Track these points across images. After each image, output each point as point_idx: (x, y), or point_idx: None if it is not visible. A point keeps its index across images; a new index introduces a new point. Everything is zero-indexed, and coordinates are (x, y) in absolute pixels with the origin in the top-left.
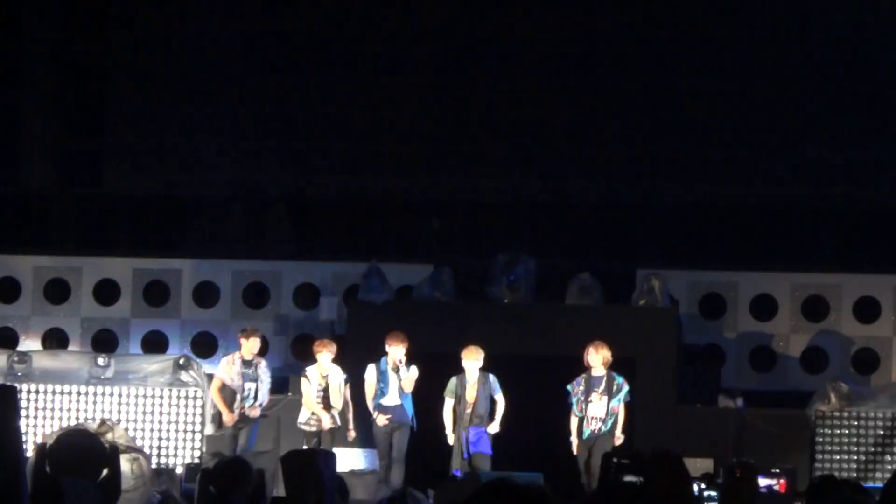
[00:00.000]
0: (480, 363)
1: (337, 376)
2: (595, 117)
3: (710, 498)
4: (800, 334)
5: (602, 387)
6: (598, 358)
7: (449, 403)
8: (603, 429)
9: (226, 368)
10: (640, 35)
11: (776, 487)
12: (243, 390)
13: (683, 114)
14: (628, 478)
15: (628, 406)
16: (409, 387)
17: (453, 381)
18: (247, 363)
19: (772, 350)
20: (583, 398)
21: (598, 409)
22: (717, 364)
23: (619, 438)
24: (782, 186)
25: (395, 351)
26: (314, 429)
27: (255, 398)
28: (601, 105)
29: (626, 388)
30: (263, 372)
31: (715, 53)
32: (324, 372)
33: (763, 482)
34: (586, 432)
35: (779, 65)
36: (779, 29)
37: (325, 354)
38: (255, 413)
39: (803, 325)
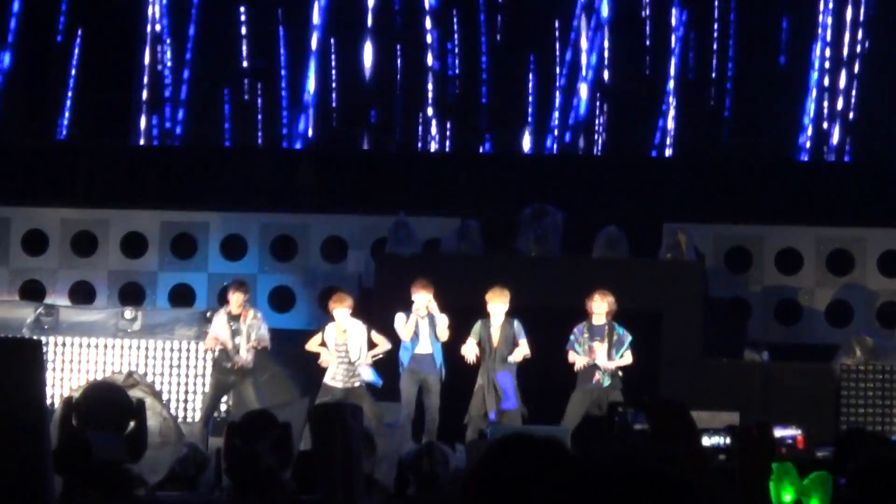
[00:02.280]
0: (506, 306)
1: (357, 331)
2: (620, 72)
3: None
4: (825, 288)
5: (604, 336)
6: (602, 305)
7: (471, 343)
8: (605, 381)
9: (215, 324)
10: None
11: (792, 443)
12: (233, 345)
13: (705, 69)
14: (637, 426)
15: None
16: (443, 334)
17: (478, 324)
18: (234, 317)
19: (797, 304)
20: (587, 346)
21: (600, 359)
22: (742, 318)
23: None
24: (807, 140)
25: (420, 298)
26: (340, 385)
27: (238, 351)
28: (625, 60)
29: (628, 339)
30: (248, 325)
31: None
32: (342, 328)
33: (779, 434)
34: (591, 381)
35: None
36: None
37: (341, 310)
38: (240, 362)
39: (828, 279)
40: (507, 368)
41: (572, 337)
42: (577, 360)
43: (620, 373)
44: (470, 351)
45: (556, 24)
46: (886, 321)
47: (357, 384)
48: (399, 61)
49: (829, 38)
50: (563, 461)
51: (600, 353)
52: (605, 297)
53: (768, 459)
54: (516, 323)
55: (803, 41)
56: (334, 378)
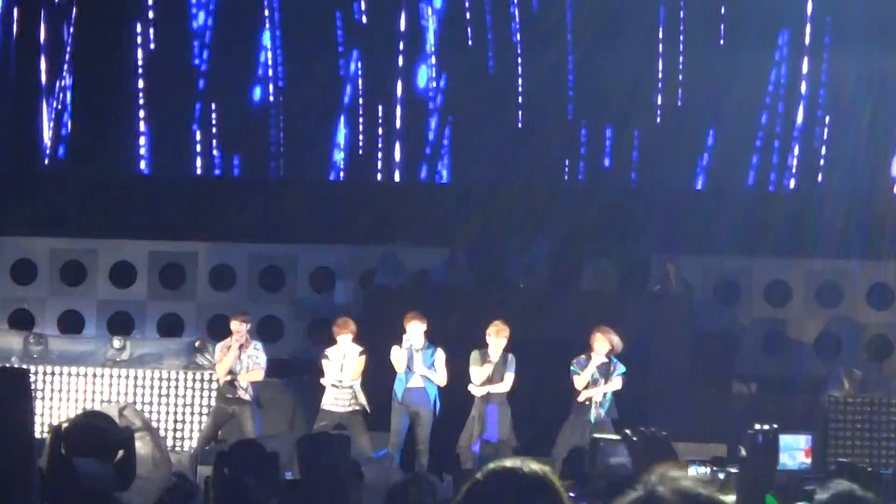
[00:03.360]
0: (506, 341)
1: (352, 354)
2: (610, 101)
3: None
4: (813, 320)
5: (605, 373)
6: (604, 345)
7: (480, 370)
8: (601, 414)
9: (227, 355)
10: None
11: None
12: (232, 374)
13: (700, 99)
14: (615, 459)
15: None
16: (442, 379)
17: (476, 353)
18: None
19: (786, 336)
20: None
21: (598, 395)
22: (730, 350)
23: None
24: (797, 173)
25: (414, 328)
26: (338, 409)
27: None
28: (617, 89)
29: (620, 368)
30: (248, 355)
31: (734, 41)
32: (342, 352)
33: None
34: (591, 415)
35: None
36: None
37: (345, 336)
38: (239, 393)
39: (817, 311)
40: (495, 401)
41: (574, 367)
42: (579, 381)
43: (614, 411)
44: (481, 375)
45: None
46: (875, 353)
47: (357, 408)
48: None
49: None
50: (548, 496)
51: (598, 389)
52: (606, 335)
53: (772, 468)
54: (510, 357)
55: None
56: (334, 403)
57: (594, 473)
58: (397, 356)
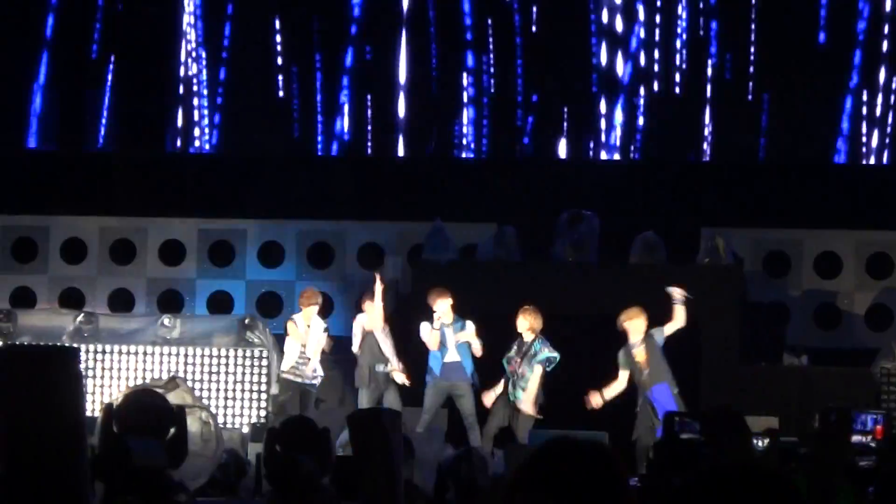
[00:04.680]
0: (529, 325)
1: (317, 328)
2: (657, 78)
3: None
4: (864, 292)
5: (521, 352)
6: (524, 323)
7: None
8: (518, 395)
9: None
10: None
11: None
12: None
13: (746, 73)
14: (686, 435)
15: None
16: (477, 349)
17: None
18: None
19: (836, 307)
20: (517, 360)
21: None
22: (781, 322)
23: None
24: (846, 144)
25: (441, 305)
26: (298, 379)
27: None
28: (661, 66)
29: (542, 354)
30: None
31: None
32: (308, 323)
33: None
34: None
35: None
36: None
37: (310, 308)
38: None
39: (868, 283)
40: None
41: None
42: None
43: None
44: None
45: (593, 28)
46: None
47: (315, 382)
48: (434, 65)
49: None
50: (609, 465)
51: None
52: (526, 316)
53: (846, 446)
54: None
55: (841, 41)
56: (293, 373)
57: (669, 447)
58: (429, 334)
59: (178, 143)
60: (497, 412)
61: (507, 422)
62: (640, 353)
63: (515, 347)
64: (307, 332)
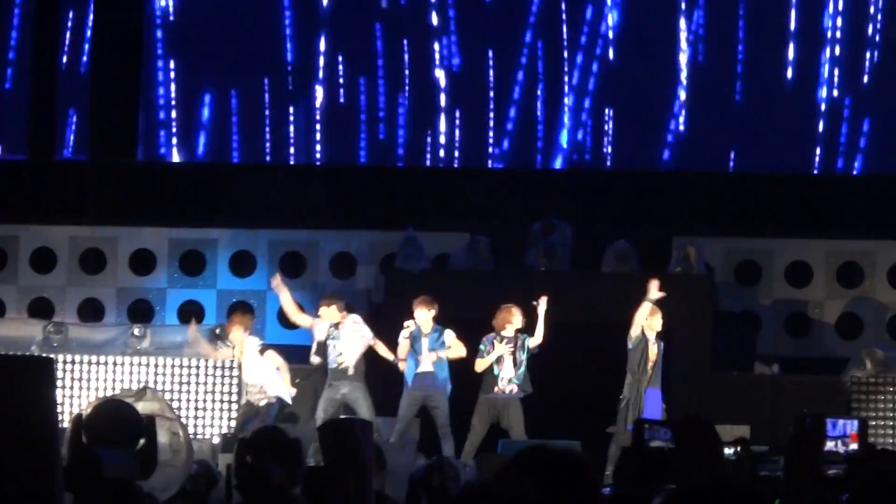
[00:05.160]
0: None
1: (251, 349)
2: (630, 86)
3: None
4: (835, 301)
5: (512, 347)
6: (519, 319)
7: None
8: (514, 390)
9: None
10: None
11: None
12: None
13: (719, 82)
14: (656, 443)
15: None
16: (445, 355)
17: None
18: (333, 325)
19: (807, 316)
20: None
21: (508, 370)
22: (752, 331)
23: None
24: (818, 153)
25: (421, 315)
26: (262, 402)
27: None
28: (635, 73)
29: (529, 343)
30: (352, 330)
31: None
32: (237, 347)
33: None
34: (502, 392)
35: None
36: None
37: (237, 332)
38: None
39: (838, 292)
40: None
41: (482, 346)
42: (481, 362)
43: (528, 384)
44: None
45: (565, 35)
46: None
47: (271, 401)
48: (407, 73)
49: (836, 52)
50: (581, 475)
51: (507, 364)
52: (514, 313)
53: (819, 453)
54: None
55: (810, 55)
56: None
57: (637, 455)
58: (401, 343)
59: (150, 150)
60: (484, 415)
61: (493, 422)
62: (653, 351)
63: (503, 348)
64: (241, 355)
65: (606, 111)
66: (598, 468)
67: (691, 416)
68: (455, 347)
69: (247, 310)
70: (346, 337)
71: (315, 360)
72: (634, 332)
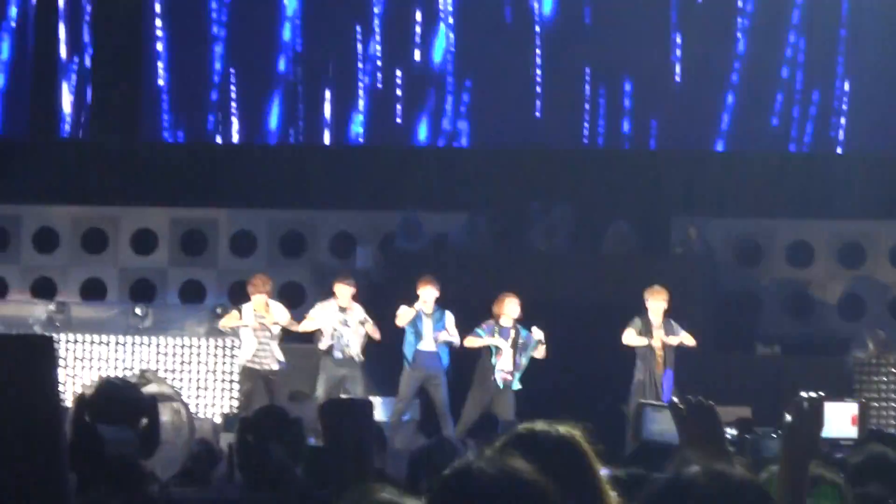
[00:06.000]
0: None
1: (279, 314)
2: (628, 65)
3: None
4: (836, 281)
5: (510, 339)
6: (515, 310)
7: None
8: (513, 383)
9: (321, 315)
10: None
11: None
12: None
13: (718, 60)
14: (659, 427)
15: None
16: (444, 338)
17: (639, 320)
18: (342, 310)
19: (809, 297)
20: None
21: (506, 363)
22: (753, 312)
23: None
24: (819, 133)
25: (427, 293)
26: (258, 367)
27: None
28: (634, 52)
29: (532, 341)
30: (362, 318)
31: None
32: (258, 310)
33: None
34: (496, 381)
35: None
36: None
37: (259, 296)
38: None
39: (840, 272)
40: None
41: (480, 332)
42: (473, 341)
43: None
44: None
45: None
46: None
47: (276, 368)
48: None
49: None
50: (576, 458)
51: (506, 358)
52: (515, 300)
53: (817, 436)
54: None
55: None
56: (253, 361)
57: (638, 439)
58: (404, 311)
59: (152, 130)
60: (477, 402)
61: (485, 409)
62: (658, 336)
63: (499, 337)
64: (265, 318)
65: (600, 91)
66: (609, 449)
67: (693, 402)
68: (452, 333)
69: (266, 277)
70: (353, 326)
71: (324, 345)
72: (633, 343)
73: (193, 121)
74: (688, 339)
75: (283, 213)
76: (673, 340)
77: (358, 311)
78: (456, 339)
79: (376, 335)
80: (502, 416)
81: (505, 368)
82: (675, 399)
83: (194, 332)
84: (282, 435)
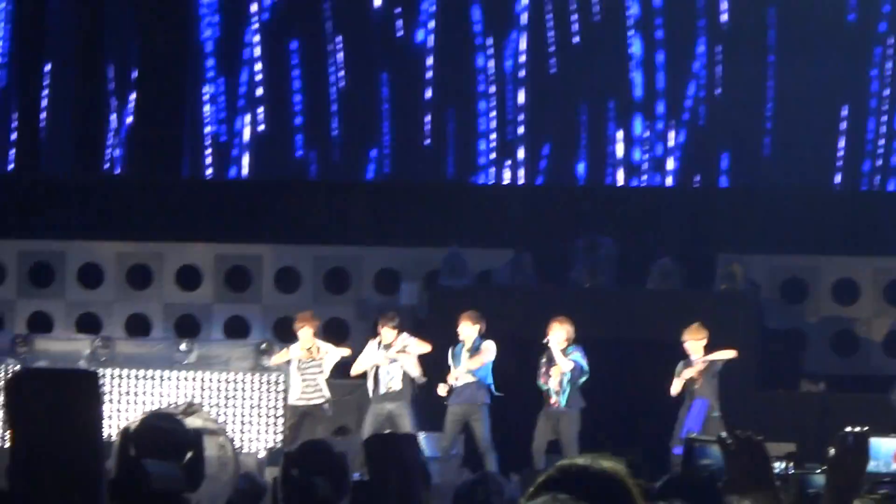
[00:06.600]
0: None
1: (330, 351)
2: (675, 100)
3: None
4: (882, 318)
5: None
6: (560, 334)
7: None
8: (561, 403)
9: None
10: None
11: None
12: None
13: (765, 99)
14: (707, 461)
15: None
16: (476, 363)
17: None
18: (387, 346)
19: (854, 334)
20: (544, 370)
21: (553, 384)
22: (798, 349)
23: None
24: (864, 172)
25: (465, 329)
26: (301, 403)
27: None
28: (680, 89)
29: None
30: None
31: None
32: (306, 345)
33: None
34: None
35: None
36: None
37: (306, 330)
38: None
39: (886, 310)
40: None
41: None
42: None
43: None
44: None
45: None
46: None
47: (320, 402)
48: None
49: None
50: (622, 492)
51: (554, 379)
52: (563, 325)
53: (862, 471)
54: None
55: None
56: (301, 397)
57: (687, 473)
58: (450, 358)
59: (196, 167)
60: (541, 428)
61: (553, 435)
62: (692, 370)
63: (545, 360)
64: (314, 353)
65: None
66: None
67: (741, 436)
68: (484, 353)
69: (315, 315)
70: (399, 359)
71: (370, 384)
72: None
73: (237, 157)
74: (722, 354)
75: (328, 249)
76: (702, 364)
77: (400, 342)
78: (485, 358)
79: (423, 348)
80: (564, 442)
81: (550, 388)
82: (724, 434)
83: (239, 367)
84: (326, 469)
